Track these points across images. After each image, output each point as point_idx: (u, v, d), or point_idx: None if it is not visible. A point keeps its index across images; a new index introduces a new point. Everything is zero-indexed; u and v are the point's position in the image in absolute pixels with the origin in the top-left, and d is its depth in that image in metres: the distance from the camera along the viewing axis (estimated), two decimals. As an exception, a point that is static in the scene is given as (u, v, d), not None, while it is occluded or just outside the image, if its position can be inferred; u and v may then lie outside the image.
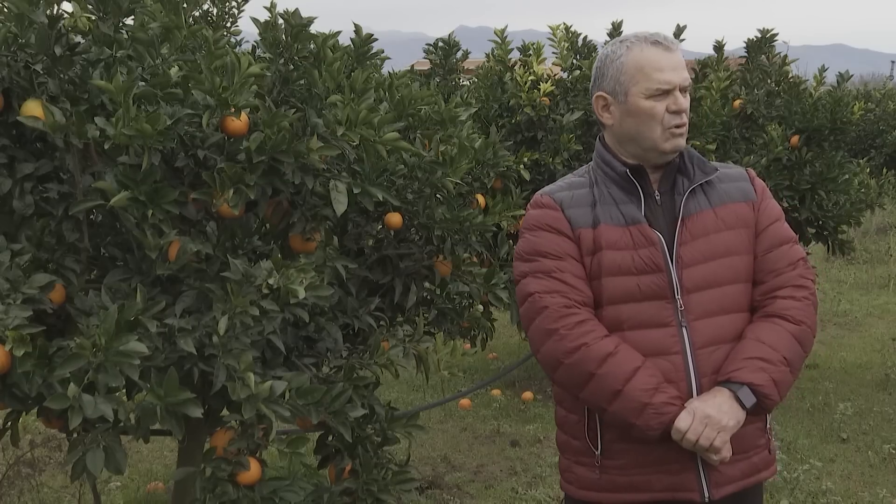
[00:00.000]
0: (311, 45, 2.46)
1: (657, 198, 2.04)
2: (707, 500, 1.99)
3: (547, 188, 2.13)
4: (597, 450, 2.05)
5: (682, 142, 2.01)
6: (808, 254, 6.23)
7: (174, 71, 2.22)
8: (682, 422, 1.90)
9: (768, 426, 2.10)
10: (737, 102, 5.59)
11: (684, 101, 1.98)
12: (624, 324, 1.98)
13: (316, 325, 2.51)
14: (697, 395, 1.96)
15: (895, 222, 12.78)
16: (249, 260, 2.26)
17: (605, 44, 5.01)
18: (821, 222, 5.74)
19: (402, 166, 2.66)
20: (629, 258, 1.98)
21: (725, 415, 1.91)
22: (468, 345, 3.46)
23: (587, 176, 2.10)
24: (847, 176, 5.68)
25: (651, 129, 1.99)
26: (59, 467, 4.26)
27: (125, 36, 2.21)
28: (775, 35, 5.83)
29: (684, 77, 1.99)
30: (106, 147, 2.03)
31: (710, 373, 1.97)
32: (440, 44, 5.64)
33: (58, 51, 2.06)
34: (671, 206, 2.03)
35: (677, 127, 1.98)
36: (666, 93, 1.97)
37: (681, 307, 1.98)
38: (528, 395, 5.73)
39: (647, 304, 1.98)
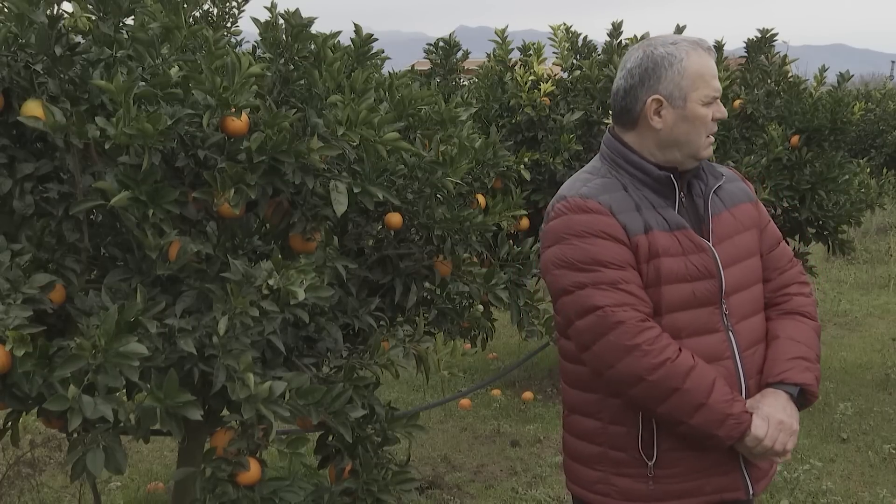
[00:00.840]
0: (312, 46, 2.46)
1: (682, 201, 2.04)
2: (751, 495, 2.04)
3: (581, 189, 2.00)
4: (650, 460, 2.01)
5: (711, 149, 2.04)
6: (808, 253, 6.17)
7: (174, 71, 2.22)
8: (759, 429, 1.91)
9: None
10: (737, 102, 5.59)
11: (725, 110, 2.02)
12: (682, 331, 1.95)
13: (316, 325, 2.51)
14: (746, 397, 1.98)
15: (895, 222, 12.77)
16: (249, 260, 2.26)
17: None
18: (821, 222, 5.74)
19: (402, 166, 2.66)
20: (682, 265, 1.95)
21: (792, 418, 1.95)
22: (468, 345, 3.46)
23: (612, 177, 2.02)
24: (847, 176, 5.68)
25: (699, 136, 1.98)
26: (59, 467, 4.26)
27: (125, 36, 2.21)
28: (775, 35, 5.83)
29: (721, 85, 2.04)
30: (106, 147, 2.02)
31: (755, 374, 2.01)
32: (440, 44, 5.65)
33: (58, 51, 2.06)
34: (693, 208, 2.04)
35: (710, 136, 2.01)
36: (714, 100, 1.98)
37: (726, 311, 1.99)
38: (528, 395, 5.72)
39: (701, 310, 1.97)
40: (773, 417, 1.92)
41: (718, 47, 5.71)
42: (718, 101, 2.00)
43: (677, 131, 1.97)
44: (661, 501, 2.03)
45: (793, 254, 2.17)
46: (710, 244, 1.99)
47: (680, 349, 1.92)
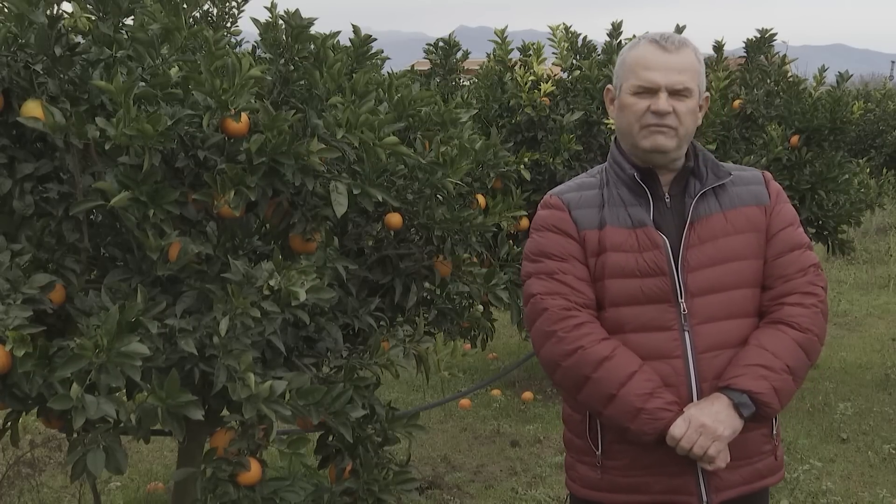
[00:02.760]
0: (311, 46, 2.46)
1: (667, 200, 2.03)
2: None
3: (558, 188, 2.13)
4: (598, 450, 2.05)
5: (661, 140, 1.97)
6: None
7: (174, 71, 2.22)
8: (677, 429, 1.90)
9: (775, 432, 2.08)
10: (736, 102, 5.59)
11: (664, 104, 1.94)
12: (626, 326, 1.98)
13: (316, 326, 2.51)
14: (697, 399, 1.95)
15: (895, 222, 12.77)
16: (250, 260, 2.26)
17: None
18: (821, 222, 5.74)
19: (403, 167, 2.66)
20: (633, 261, 1.97)
21: (721, 424, 1.90)
22: (468, 345, 3.46)
23: (598, 176, 2.10)
24: (847, 176, 5.68)
25: (630, 126, 1.99)
26: (59, 467, 4.26)
27: (125, 36, 2.21)
28: (774, 35, 5.83)
29: (675, 80, 1.94)
30: (106, 147, 2.02)
31: (712, 378, 1.96)
32: (440, 44, 5.64)
33: (58, 51, 2.06)
34: (681, 208, 2.01)
35: (650, 126, 1.96)
36: (650, 91, 1.95)
37: (684, 311, 1.97)
38: (528, 395, 5.72)
39: (650, 307, 1.97)
40: (695, 420, 1.89)
41: (718, 47, 5.71)
42: (660, 94, 1.94)
43: (619, 122, 2.04)
44: (611, 492, 2.05)
45: (810, 264, 2.04)
46: (674, 242, 1.97)
47: (604, 340, 1.95)
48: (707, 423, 1.89)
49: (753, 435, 1.99)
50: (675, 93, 1.95)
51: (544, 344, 1.99)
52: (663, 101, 1.94)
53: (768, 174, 2.11)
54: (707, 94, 2.08)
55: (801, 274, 2.02)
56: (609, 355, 1.93)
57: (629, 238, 1.98)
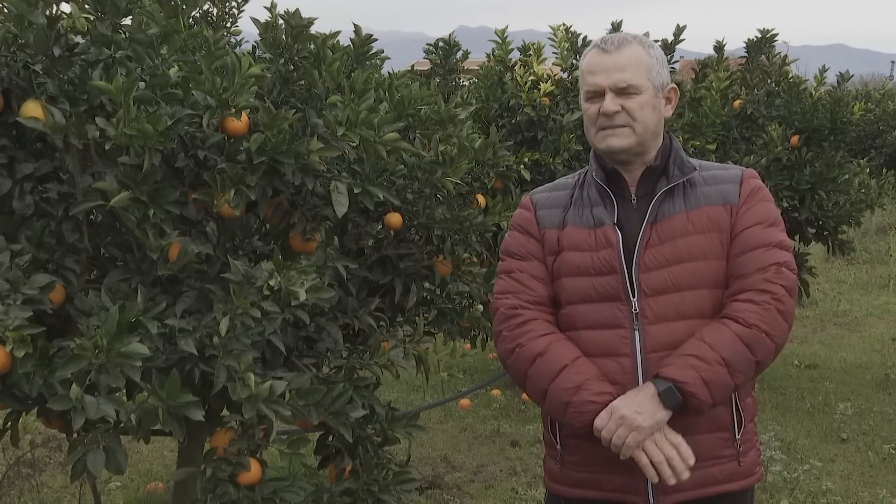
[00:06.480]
0: (311, 46, 2.46)
1: (634, 201, 2.02)
2: None
3: (537, 188, 2.19)
4: (558, 444, 2.09)
5: (614, 142, 1.98)
6: (808, 254, 6.04)
7: (174, 71, 2.22)
8: (600, 420, 1.91)
9: (739, 437, 2.02)
10: (737, 102, 5.59)
11: (610, 104, 1.95)
12: (578, 323, 2.01)
13: (316, 326, 2.51)
14: None
15: (895, 222, 12.77)
16: (250, 260, 2.26)
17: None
18: (821, 222, 5.75)
19: (402, 166, 2.66)
20: (588, 259, 1.99)
21: (641, 415, 1.87)
22: (468, 345, 3.46)
23: (577, 177, 2.14)
24: (847, 176, 5.69)
25: (588, 130, 2.04)
26: (59, 467, 4.26)
27: (124, 36, 2.21)
28: (775, 35, 5.83)
29: (616, 79, 1.95)
30: (106, 148, 2.02)
31: None
32: (440, 44, 5.65)
33: (56, 51, 2.05)
34: (647, 209, 2.01)
35: (604, 129, 1.98)
36: (598, 94, 1.98)
37: (635, 310, 1.96)
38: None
39: (602, 305, 1.98)
40: (616, 411, 1.89)
41: (719, 47, 5.71)
42: (606, 95, 1.96)
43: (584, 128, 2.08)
44: (568, 486, 2.09)
45: (773, 262, 1.94)
46: (621, 240, 1.97)
47: (541, 336, 1.98)
48: (626, 415, 1.88)
49: (706, 438, 1.97)
50: (620, 91, 1.96)
51: (496, 342, 2.08)
52: (608, 102, 1.97)
53: (751, 172, 2.06)
54: (673, 85, 2.06)
55: (759, 272, 1.94)
56: (543, 351, 1.97)
57: (588, 238, 2.01)
